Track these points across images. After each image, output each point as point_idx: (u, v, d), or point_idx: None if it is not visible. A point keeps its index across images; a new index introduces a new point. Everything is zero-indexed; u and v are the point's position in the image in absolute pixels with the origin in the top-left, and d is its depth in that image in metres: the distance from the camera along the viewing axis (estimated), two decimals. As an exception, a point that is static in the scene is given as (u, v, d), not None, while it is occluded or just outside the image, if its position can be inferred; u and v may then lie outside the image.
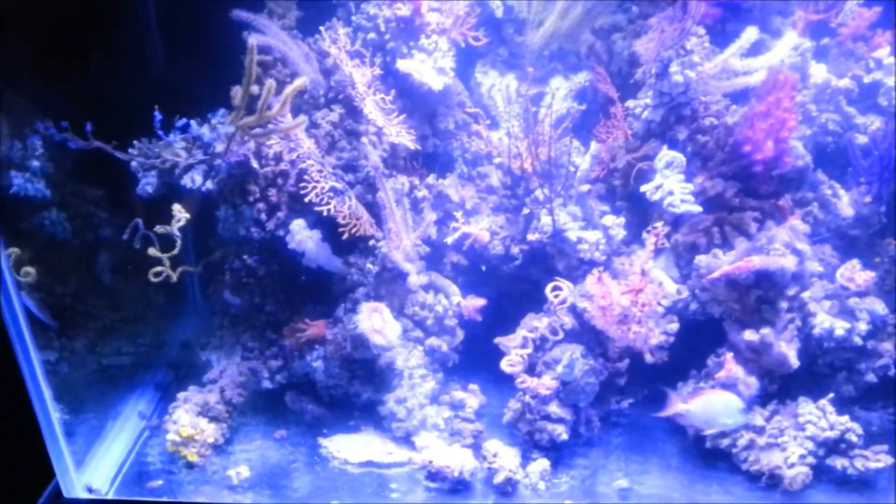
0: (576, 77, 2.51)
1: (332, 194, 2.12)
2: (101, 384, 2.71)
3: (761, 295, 2.26)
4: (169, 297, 3.04)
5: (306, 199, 2.12)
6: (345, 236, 2.16)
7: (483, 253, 2.56)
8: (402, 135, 2.20)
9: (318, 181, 2.08)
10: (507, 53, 2.63)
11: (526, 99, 2.36)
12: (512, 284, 2.67)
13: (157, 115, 2.03)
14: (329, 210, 2.12)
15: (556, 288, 2.20)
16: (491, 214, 2.56)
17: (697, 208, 2.16)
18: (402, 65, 2.29)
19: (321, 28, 2.32)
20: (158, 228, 2.11)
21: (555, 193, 2.45)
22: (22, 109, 2.39)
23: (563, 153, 2.46)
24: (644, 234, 2.25)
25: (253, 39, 2.05)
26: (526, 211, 2.52)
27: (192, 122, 2.18)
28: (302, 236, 2.28)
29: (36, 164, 2.38)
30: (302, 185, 2.13)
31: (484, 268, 2.58)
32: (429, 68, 2.29)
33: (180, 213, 2.10)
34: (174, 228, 2.08)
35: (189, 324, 3.08)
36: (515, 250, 2.56)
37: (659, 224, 2.17)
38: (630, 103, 2.41)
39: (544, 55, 2.55)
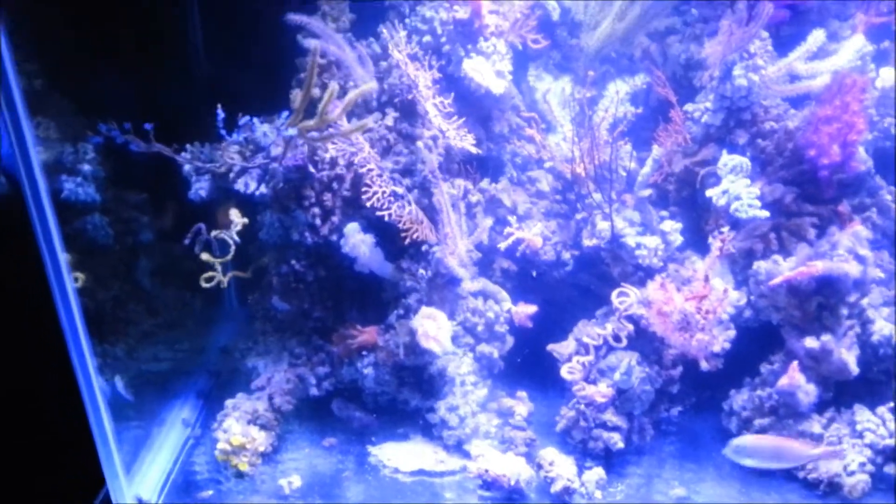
0: (632, 80, 2.55)
1: (392, 199, 2.15)
2: (144, 391, 2.74)
3: (822, 301, 2.31)
4: (206, 303, 3.08)
5: (368, 204, 2.17)
6: (406, 241, 2.20)
7: (534, 259, 2.61)
8: (465, 138, 2.24)
9: (379, 186, 2.12)
10: (560, 57, 2.69)
11: (583, 102, 2.41)
12: (560, 291, 2.72)
13: (220, 114, 2.06)
14: (390, 215, 2.15)
15: (622, 294, 2.24)
16: (542, 219, 2.61)
17: (765, 213, 2.22)
18: (467, 65, 2.33)
19: (383, 30, 2.36)
20: (216, 233, 2.15)
21: (611, 198, 2.49)
22: (72, 112, 2.43)
23: (619, 157, 2.50)
24: (710, 240, 2.29)
25: (316, 43, 2.09)
26: (579, 216, 2.57)
27: (255, 120, 2.20)
28: (356, 241, 2.32)
29: (87, 168, 2.42)
30: (362, 189, 2.18)
31: (535, 273, 2.61)
32: (489, 71, 2.33)
33: (238, 219, 2.13)
34: (233, 233, 2.12)
35: (226, 330, 3.13)
36: (566, 256, 2.61)
37: (725, 229, 2.20)
38: (689, 107, 2.47)
39: (597, 58, 2.59)
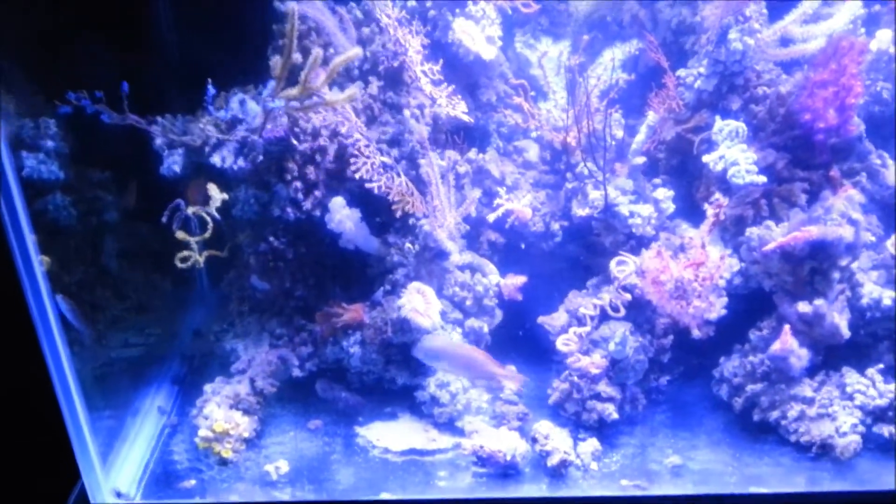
0: (624, 46, 2.52)
1: (381, 170, 2.09)
2: (115, 379, 2.64)
3: (815, 266, 2.34)
4: (176, 285, 2.98)
5: (357, 176, 2.10)
6: (397, 213, 2.14)
7: (522, 230, 2.58)
8: (456, 107, 2.18)
9: (368, 156, 2.05)
10: (548, 22, 2.65)
11: (574, 68, 2.37)
12: (548, 263, 2.71)
13: (210, 90, 1.96)
14: (380, 187, 2.09)
15: (620, 262, 2.22)
16: (531, 190, 2.58)
17: (762, 178, 2.23)
18: (457, 27, 2.27)
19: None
20: (194, 210, 2.06)
21: (602, 167, 2.47)
22: (30, 85, 2.29)
23: (611, 125, 2.47)
24: (705, 206, 2.29)
25: (293, 4, 2.00)
26: (569, 186, 2.54)
27: (225, 95, 2.11)
28: (342, 215, 2.26)
29: (50, 144, 2.29)
30: (350, 160, 2.10)
31: (523, 245, 2.59)
32: (479, 36, 2.27)
33: (217, 194, 2.05)
34: (212, 209, 2.03)
35: (199, 312, 3.05)
36: (556, 227, 2.59)
37: (718, 195, 2.20)
38: (682, 72, 2.45)
39: (586, 24, 2.55)
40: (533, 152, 2.65)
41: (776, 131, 2.43)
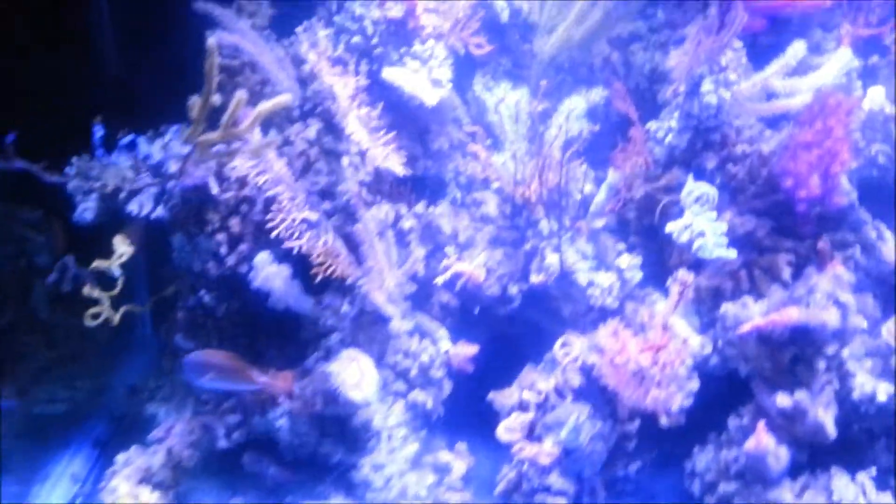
0: (589, 93, 2.32)
1: (305, 227, 1.90)
2: (30, 439, 2.46)
3: (797, 353, 2.10)
4: (115, 333, 2.80)
5: (273, 234, 1.90)
6: (318, 278, 1.94)
7: (476, 293, 2.36)
8: (389, 158, 1.98)
9: (289, 211, 1.87)
10: (511, 63, 2.46)
11: (534, 116, 2.17)
12: (507, 327, 2.51)
13: (98, 130, 1.79)
14: (301, 247, 1.90)
15: (565, 344, 2.00)
16: (487, 248, 2.38)
17: (732, 254, 2.00)
18: (388, 73, 2.08)
19: (297, 30, 2.09)
20: (96, 265, 1.88)
21: (563, 226, 2.26)
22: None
23: (574, 180, 2.27)
24: (668, 282, 2.06)
25: (213, 39, 1.83)
26: (528, 245, 2.33)
27: (142, 139, 1.94)
28: (268, 273, 2.07)
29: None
30: (270, 215, 1.91)
31: (477, 310, 2.38)
32: (422, 79, 2.09)
33: (123, 247, 1.86)
34: (114, 264, 1.85)
35: (138, 364, 2.85)
36: (514, 290, 2.39)
37: (682, 271, 1.97)
38: (652, 125, 2.24)
39: (552, 66, 2.35)
40: (492, 205, 2.44)
41: (757, 195, 2.21)
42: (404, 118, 2.25)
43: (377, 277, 2.16)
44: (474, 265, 2.31)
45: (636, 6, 2.27)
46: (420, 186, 2.38)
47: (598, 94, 2.38)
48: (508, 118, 2.32)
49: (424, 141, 2.33)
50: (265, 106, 1.85)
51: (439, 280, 2.29)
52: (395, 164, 2.03)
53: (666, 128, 2.22)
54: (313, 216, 1.95)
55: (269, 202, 2.04)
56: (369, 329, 2.26)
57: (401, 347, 2.32)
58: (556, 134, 2.24)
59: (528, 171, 2.29)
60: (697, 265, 2.24)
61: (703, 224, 1.98)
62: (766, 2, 2.03)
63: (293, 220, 1.92)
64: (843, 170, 1.94)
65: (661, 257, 2.35)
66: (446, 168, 2.41)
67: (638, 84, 2.40)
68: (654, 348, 1.94)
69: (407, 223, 2.27)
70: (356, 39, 2.24)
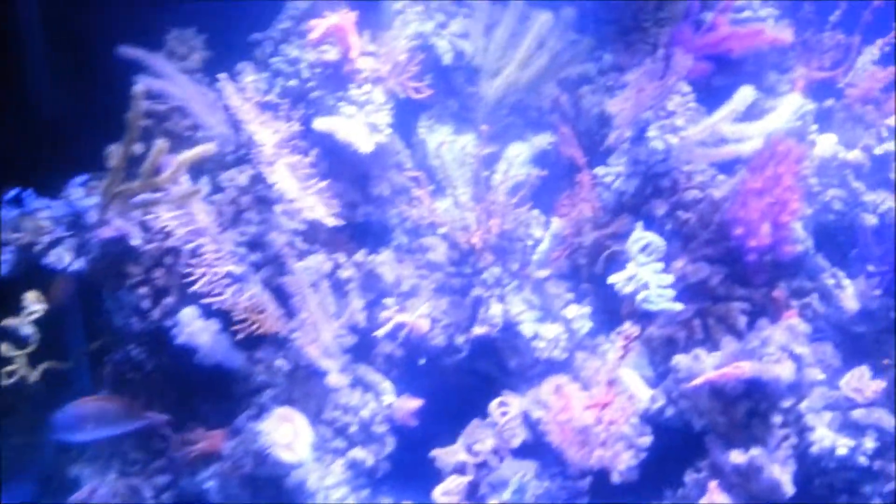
0: (536, 138, 2.25)
1: (228, 281, 1.80)
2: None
3: (752, 407, 2.01)
4: (48, 389, 2.67)
5: (192, 290, 1.80)
6: (239, 336, 1.84)
7: (421, 344, 2.26)
8: (316, 208, 1.89)
9: (211, 265, 1.77)
10: (458, 106, 2.39)
11: (478, 161, 2.09)
12: (457, 378, 2.40)
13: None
14: (223, 303, 1.80)
15: (502, 404, 1.91)
16: (432, 297, 2.29)
17: (678, 306, 1.91)
18: (319, 124, 2.00)
19: (220, 76, 2.01)
20: (5, 323, 1.77)
21: (511, 274, 2.18)
22: None
23: (521, 226, 2.20)
24: (613, 336, 1.97)
25: (140, 86, 1.75)
26: (475, 294, 2.24)
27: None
28: (194, 328, 1.97)
29: None
30: (190, 269, 1.81)
31: (422, 361, 2.28)
32: (358, 125, 2.02)
33: (35, 304, 1.76)
34: (24, 322, 1.74)
35: (73, 418, 2.70)
36: (461, 340, 2.30)
37: (627, 324, 1.89)
38: (599, 170, 2.17)
39: (501, 109, 2.28)
40: (440, 251, 2.35)
41: (710, 241, 2.13)
42: (342, 164, 2.17)
43: (311, 331, 2.06)
44: (417, 315, 2.21)
45: (584, 49, 2.21)
46: (361, 233, 2.30)
47: (546, 138, 2.31)
48: (452, 162, 2.24)
49: (364, 187, 2.25)
50: (187, 155, 1.78)
51: (380, 332, 2.19)
52: (324, 215, 1.94)
53: (614, 173, 2.15)
54: (237, 269, 1.85)
55: (195, 254, 1.95)
56: (305, 384, 2.16)
57: (340, 402, 2.22)
58: (502, 179, 2.16)
59: (474, 216, 2.22)
60: (649, 314, 2.16)
61: (647, 275, 1.90)
62: (710, 43, 1.97)
63: (215, 275, 1.82)
64: (793, 219, 1.87)
65: (615, 304, 2.27)
66: (389, 214, 2.32)
67: (588, 127, 2.34)
68: (598, 405, 1.85)
69: (345, 272, 2.18)
70: (292, 83, 2.17)
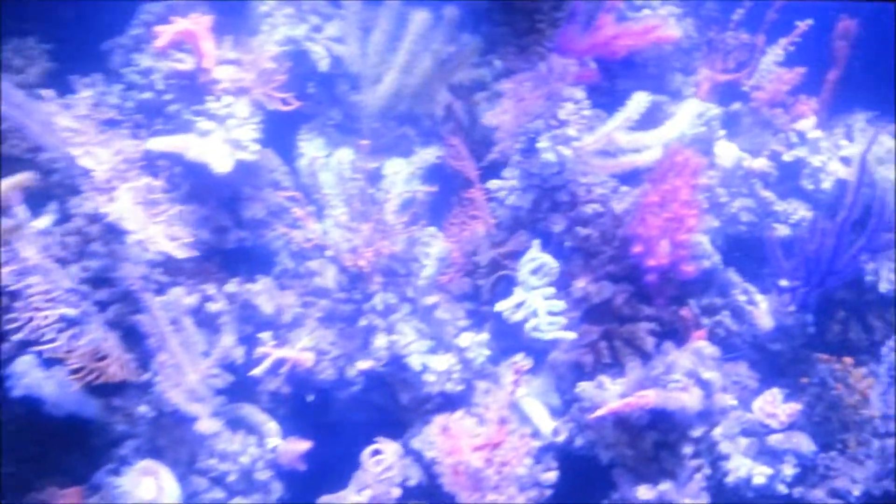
0: (425, 151, 2.07)
1: (62, 326, 1.58)
2: None
3: (659, 438, 1.87)
4: None
5: (16, 337, 1.58)
6: (74, 387, 1.63)
7: (309, 378, 2.07)
8: (158, 240, 1.68)
9: (39, 308, 1.55)
10: (342, 116, 2.18)
11: (363, 176, 1.90)
12: (352, 413, 2.22)
13: None
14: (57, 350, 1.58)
15: (375, 452, 1.73)
16: (319, 327, 2.09)
17: (570, 335, 1.75)
18: (155, 144, 1.79)
19: (44, 92, 1.79)
20: None
21: (401, 300, 2.00)
22: None
23: (413, 246, 2.02)
24: (503, 367, 1.81)
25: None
26: (364, 322, 2.05)
27: None
28: (33, 379, 1.74)
29: None
30: (9, 316, 1.59)
31: (311, 398, 2.08)
32: (216, 142, 1.80)
33: None
34: None
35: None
36: (353, 372, 2.10)
37: (519, 357, 1.72)
38: (492, 185, 1.99)
39: (387, 119, 2.10)
40: (329, 276, 2.15)
41: (613, 258, 1.99)
42: (206, 185, 1.95)
43: (174, 373, 1.85)
44: (298, 349, 2.02)
45: (471, 52, 2.04)
46: (236, 260, 2.09)
47: (432, 153, 2.13)
48: (331, 178, 2.04)
49: (235, 209, 2.04)
50: (5, 184, 1.55)
51: (258, 370, 1.99)
52: (169, 247, 1.73)
53: (508, 188, 1.99)
54: (72, 311, 1.63)
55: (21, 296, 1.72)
56: (172, 432, 1.95)
57: (217, 449, 2.01)
58: (390, 195, 1.98)
59: (360, 237, 2.03)
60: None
61: (537, 301, 1.73)
62: (595, 45, 1.81)
63: (45, 318, 1.60)
64: (689, 236, 1.72)
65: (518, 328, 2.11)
66: (267, 238, 2.12)
67: (485, 137, 2.16)
68: (489, 446, 1.68)
69: (215, 305, 1.97)
70: (146, 95, 1.96)
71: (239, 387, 2.09)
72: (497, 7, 2.18)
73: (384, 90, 2.02)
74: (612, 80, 2.24)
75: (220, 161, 1.79)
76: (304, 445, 2.06)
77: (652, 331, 1.99)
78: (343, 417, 2.21)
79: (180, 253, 1.76)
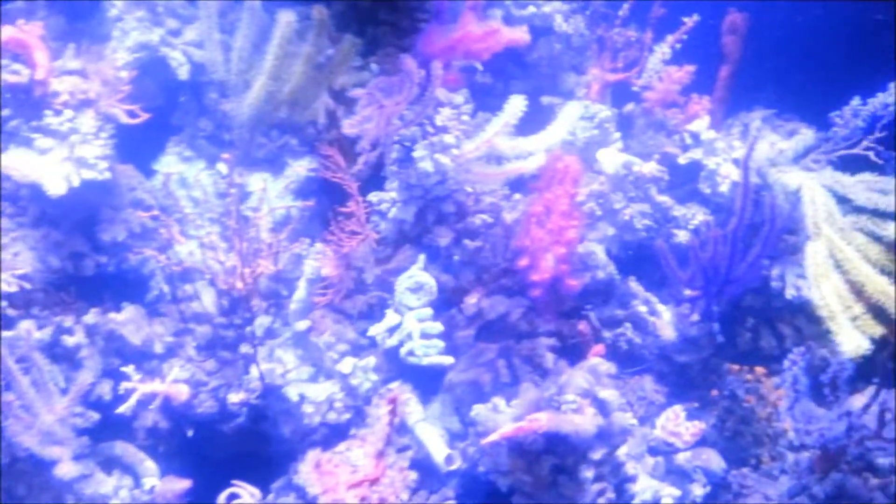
0: (296, 163, 1.94)
1: None
2: None
3: (557, 463, 1.77)
4: None
5: None
6: None
7: (187, 411, 1.92)
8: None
9: None
10: (213, 126, 2.02)
11: (232, 192, 1.75)
12: (241, 446, 2.07)
13: None
14: None
15: (232, 496, 1.60)
16: (196, 356, 1.94)
17: (448, 360, 1.62)
18: None
19: None
20: None
21: (282, 324, 1.87)
22: None
23: (293, 266, 1.89)
24: (376, 400, 1.68)
25: None
26: (243, 349, 1.91)
27: None
28: None
29: None
30: None
31: (191, 432, 1.94)
32: (53, 161, 1.64)
33: None
34: None
35: None
36: (234, 402, 1.94)
37: (395, 385, 1.60)
38: (373, 197, 1.87)
39: (263, 128, 1.96)
40: (208, 299, 2.01)
41: (507, 271, 1.88)
42: (57, 208, 1.79)
43: (26, 415, 1.69)
44: (169, 381, 1.87)
45: (350, 55, 1.90)
46: (95, 288, 1.92)
47: (306, 163, 1.99)
48: (203, 195, 1.90)
49: (93, 233, 1.88)
50: None
51: (123, 408, 1.83)
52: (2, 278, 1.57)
53: (389, 200, 1.86)
54: None
55: None
56: (31, 479, 1.78)
57: (84, 493, 1.85)
58: (263, 211, 1.84)
59: (235, 258, 1.88)
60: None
61: (411, 325, 1.61)
62: (448, 47, 1.69)
63: None
64: (570, 249, 1.61)
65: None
66: (131, 262, 1.96)
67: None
68: (364, 482, 1.55)
69: (72, 339, 1.81)
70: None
71: (112, 424, 1.94)
72: (382, 6, 2.05)
73: (253, 98, 1.88)
74: (506, 82, 2.13)
75: (55, 182, 1.63)
76: (183, 484, 1.92)
77: (552, 346, 1.90)
78: (228, 452, 2.07)
79: (11, 287, 1.59)
